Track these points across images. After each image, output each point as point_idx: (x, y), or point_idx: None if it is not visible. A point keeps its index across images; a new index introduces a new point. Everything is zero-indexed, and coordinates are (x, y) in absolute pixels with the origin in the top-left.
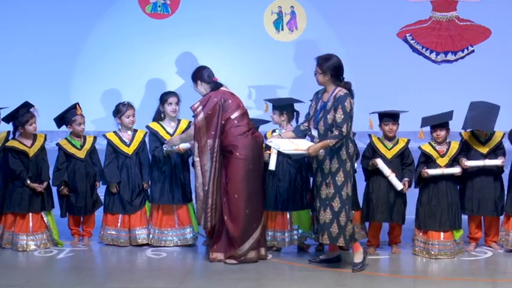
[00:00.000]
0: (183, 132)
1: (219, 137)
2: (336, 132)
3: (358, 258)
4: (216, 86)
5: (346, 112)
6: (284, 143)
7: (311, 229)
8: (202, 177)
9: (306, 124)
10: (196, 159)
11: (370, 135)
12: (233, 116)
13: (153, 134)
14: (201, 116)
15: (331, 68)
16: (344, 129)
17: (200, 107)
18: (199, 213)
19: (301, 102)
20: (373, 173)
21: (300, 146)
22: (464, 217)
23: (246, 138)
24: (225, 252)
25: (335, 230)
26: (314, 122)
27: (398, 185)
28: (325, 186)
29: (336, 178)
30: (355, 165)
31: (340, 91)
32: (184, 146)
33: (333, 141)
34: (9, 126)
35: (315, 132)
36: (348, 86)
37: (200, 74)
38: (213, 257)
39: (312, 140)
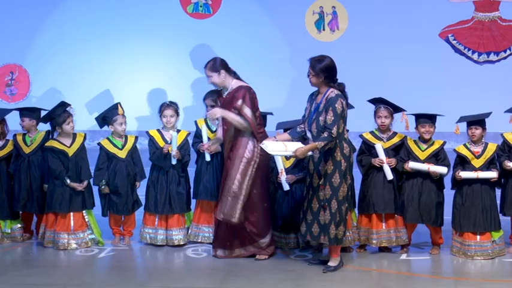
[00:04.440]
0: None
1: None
2: (325, 134)
3: (334, 262)
4: (238, 77)
5: (336, 114)
6: (275, 145)
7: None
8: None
9: (302, 126)
10: (255, 158)
11: (406, 137)
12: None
13: (196, 131)
14: (249, 113)
15: (324, 70)
16: (334, 131)
17: (244, 105)
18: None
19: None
20: (407, 175)
21: (289, 148)
22: (507, 218)
23: (264, 138)
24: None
25: (333, 232)
26: (308, 124)
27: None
28: (322, 187)
29: (332, 180)
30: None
31: (332, 92)
32: (174, 147)
33: (322, 144)
34: (48, 126)
35: (309, 134)
36: (341, 87)
37: (223, 64)
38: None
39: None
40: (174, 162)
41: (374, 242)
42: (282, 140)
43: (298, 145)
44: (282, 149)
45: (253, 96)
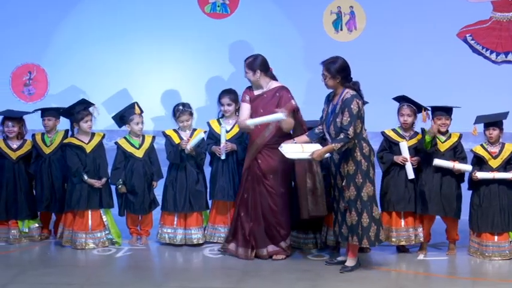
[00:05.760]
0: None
1: None
2: (341, 136)
3: (351, 262)
4: (272, 77)
5: (352, 114)
6: (292, 147)
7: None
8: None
9: (320, 127)
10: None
11: (422, 129)
12: None
13: (209, 131)
14: (300, 113)
15: (339, 70)
16: (350, 132)
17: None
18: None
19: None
20: (424, 167)
21: (306, 150)
22: None
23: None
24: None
25: (360, 231)
26: (326, 126)
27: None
28: (346, 188)
29: (355, 180)
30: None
31: (348, 93)
32: (192, 144)
33: (338, 145)
34: (67, 125)
35: (327, 136)
36: (356, 86)
37: (259, 63)
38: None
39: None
40: (185, 152)
41: (393, 239)
42: (300, 142)
43: (315, 147)
44: (299, 150)
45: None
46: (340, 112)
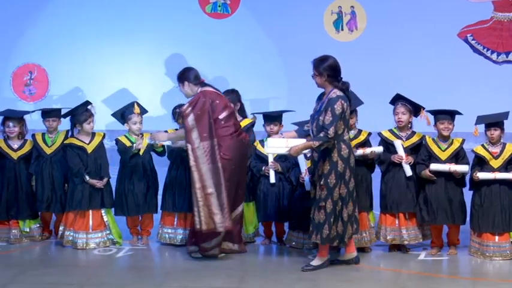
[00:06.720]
0: None
1: (213, 137)
2: (321, 134)
3: (316, 262)
4: (203, 85)
5: (335, 115)
6: (277, 142)
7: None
8: (201, 182)
9: (309, 124)
10: (193, 163)
11: (424, 136)
12: (220, 117)
13: None
14: (190, 117)
15: (327, 69)
16: (330, 132)
17: (189, 109)
18: (199, 216)
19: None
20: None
21: (289, 145)
22: None
23: (232, 140)
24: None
25: (326, 231)
26: (311, 123)
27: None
28: (318, 187)
29: (328, 180)
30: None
31: (334, 93)
32: (167, 143)
33: (317, 143)
34: (67, 125)
35: (311, 133)
36: (345, 86)
37: (187, 75)
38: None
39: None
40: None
41: (406, 238)
42: (288, 137)
43: (300, 142)
44: (282, 145)
45: (206, 100)
46: (324, 111)
